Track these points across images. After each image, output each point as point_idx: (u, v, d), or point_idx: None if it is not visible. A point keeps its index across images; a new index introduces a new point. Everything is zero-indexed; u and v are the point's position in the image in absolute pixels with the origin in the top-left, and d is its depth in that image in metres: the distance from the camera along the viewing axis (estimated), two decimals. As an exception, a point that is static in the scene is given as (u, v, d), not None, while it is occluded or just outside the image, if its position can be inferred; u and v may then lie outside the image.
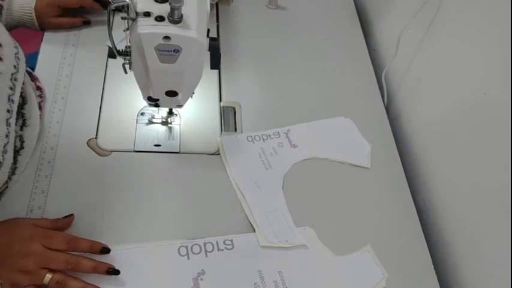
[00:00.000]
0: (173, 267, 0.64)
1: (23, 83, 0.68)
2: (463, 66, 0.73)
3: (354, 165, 0.79)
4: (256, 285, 0.64)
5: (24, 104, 0.68)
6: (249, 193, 0.72)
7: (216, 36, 0.93)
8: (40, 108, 0.73)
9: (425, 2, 0.80)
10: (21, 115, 0.67)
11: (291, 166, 0.77)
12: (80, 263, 0.59)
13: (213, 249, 0.66)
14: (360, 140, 0.82)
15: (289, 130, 0.81)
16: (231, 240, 0.67)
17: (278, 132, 0.81)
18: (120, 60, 0.65)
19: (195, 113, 0.81)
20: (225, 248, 0.67)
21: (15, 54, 0.64)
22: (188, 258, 0.65)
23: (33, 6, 0.79)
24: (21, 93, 0.66)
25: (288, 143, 0.79)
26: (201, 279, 0.63)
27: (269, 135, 0.80)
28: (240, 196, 0.72)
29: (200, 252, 0.66)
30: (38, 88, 0.75)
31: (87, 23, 0.87)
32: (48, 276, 0.57)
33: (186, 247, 0.66)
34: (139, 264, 0.63)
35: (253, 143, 0.79)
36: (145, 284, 0.62)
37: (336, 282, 0.66)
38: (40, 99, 0.74)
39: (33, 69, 0.79)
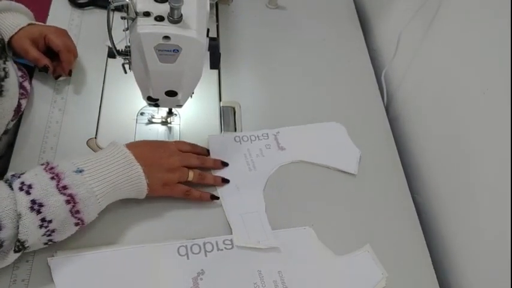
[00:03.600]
0: (173, 267, 0.64)
1: (6, 60, 0.70)
2: (463, 66, 0.73)
3: (341, 170, 0.78)
4: (255, 285, 0.64)
5: (6, 77, 0.68)
6: (227, 195, 0.72)
7: (215, 36, 0.93)
8: (20, 105, 0.73)
9: (425, 2, 0.80)
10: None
11: (276, 168, 0.76)
12: (205, 163, 0.73)
13: (212, 249, 0.66)
14: (349, 146, 0.81)
15: (278, 132, 0.80)
16: (231, 240, 0.67)
17: (267, 134, 0.80)
18: (119, 60, 0.65)
19: (194, 113, 0.81)
20: (225, 247, 0.67)
21: None
22: (188, 258, 0.65)
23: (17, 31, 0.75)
24: (4, 68, 0.68)
25: (276, 145, 0.79)
26: (201, 279, 0.63)
27: (257, 136, 0.79)
28: (220, 196, 0.72)
29: (200, 252, 0.66)
30: (22, 87, 0.75)
31: (44, 70, 0.77)
32: (191, 173, 0.69)
33: (186, 247, 0.66)
34: (139, 264, 0.63)
35: (240, 143, 0.78)
36: (145, 284, 0.62)
37: (335, 282, 0.66)
38: (22, 97, 0.74)
39: (33, 68, 0.79)
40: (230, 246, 0.67)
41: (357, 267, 0.68)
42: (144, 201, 0.70)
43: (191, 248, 0.66)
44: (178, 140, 0.76)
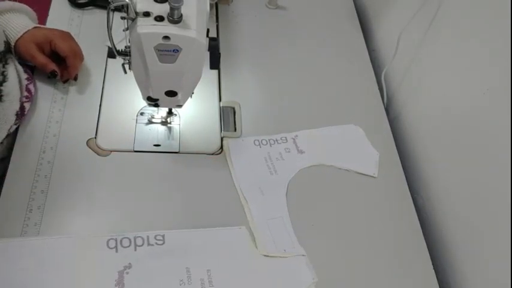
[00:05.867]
0: (100, 259, 0.63)
1: (6, 63, 0.70)
2: (463, 66, 0.73)
3: (361, 173, 0.78)
4: (181, 282, 0.63)
5: (4, 81, 0.68)
6: (252, 199, 0.72)
7: (215, 36, 0.93)
8: (23, 109, 0.73)
9: (425, 2, 0.80)
10: None
11: (296, 172, 0.77)
12: None
13: (143, 244, 0.65)
14: (368, 148, 0.82)
15: (297, 136, 0.81)
16: (163, 236, 0.67)
17: (286, 138, 0.80)
18: (119, 60, 0.65)
19: (194, 113, 0.81)
20: (156, 243, 0.66)
21: None
22: (116, 251, 0.64)
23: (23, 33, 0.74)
24: (2, 71, 0.68)
25: (295, 149, 0.79)
26: (127, 272, 0.63)
27: (276, 140, 0.80)
28: (243, 201, 0.72)
29: (130, 245, 0.65)
30: (27, 90, 0.74)
31: (53, 75, 0.76)
32: None
33: (116, 240, 0.65)
34: (66, 254, 0.63)
35: (260, 147, 0.78)
36: (69, 274, 0.61)
37: (262, 283, 0.65)
38: (25, 100, 0.73)
39: (34, 67, 0.80)
40: (161, 242, 0.66)
41: (288, 270, 0.67)
42: (143, 201, 0.70)
43: (121, 241, 0.65)
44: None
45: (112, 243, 0.65)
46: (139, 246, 0.65)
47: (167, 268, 0.64)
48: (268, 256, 0.67)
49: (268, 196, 0.73)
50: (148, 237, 0.66)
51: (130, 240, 0.65)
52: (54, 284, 0.60)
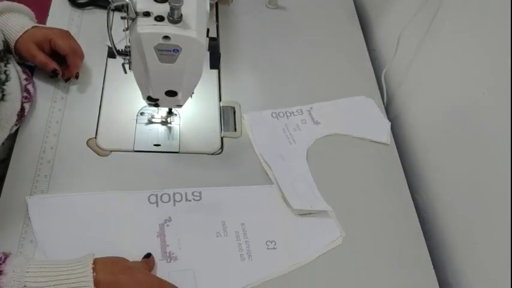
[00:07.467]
0: (142, 213, 0.68)
1: (8, 62, 0.71)
2: (463, 66, 0.73)
3: (374, 141, 0.82)
4: (218, 234, 0.67)
5: (7, 80, 0.69)
6: (275, 164, 0.75)
7: (215, 36, 0.93)
8: (23, 109, 0.73)
9: (425, 2, 0.80)
10: (1, 90, 0.67)
11: (313, 141, 0.80)
12: None
13: (181, 199, 0.70)
14: (380, 117, 0.85)
15: (311, 108, 0.84)
16: (200, 193, 0.71)
17: (301, 110, 0.84)
18: (119, 60, 0.65)
19: (194, 113, 0.81)
20: (193, 199, 0.70)
21: None
22: (157, 206, 0.69)
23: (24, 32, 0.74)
24: (5, 70, 0.69)
25: (311, 120, 0.83)
26: (167, 225, 0.67)
27: (292, 112, 0.83)
28: (266, 168, 0.75)
29: (169, 201, 0.69)
30: (26, 90, 0.74)
31: (54, 74, 0.76)
32: None
33: (156, 196, 0.69)
34: (111, 209, 0.67)
35: (278, 119, 0.82)
36: (114, 227, 0.66)
37: (293, 235, 0.69)
38: (25, 101, 0.73)
39: (34, 68, 0.80)
40: (198, 198, 0.70)
41: (317, 225, 0.71)
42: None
43: (161, 197, 0.69)
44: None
45: (153, 199, 0.69)
46: (178, 201, 0.69)
47: (204, 221, 0.68)
48: (296, 211, 0.71)
49: (289, 162, 0.76)
50: (186, 193, 0.70)
51: (169, 196, 0.70)
52: (101, 235, 0.65)
